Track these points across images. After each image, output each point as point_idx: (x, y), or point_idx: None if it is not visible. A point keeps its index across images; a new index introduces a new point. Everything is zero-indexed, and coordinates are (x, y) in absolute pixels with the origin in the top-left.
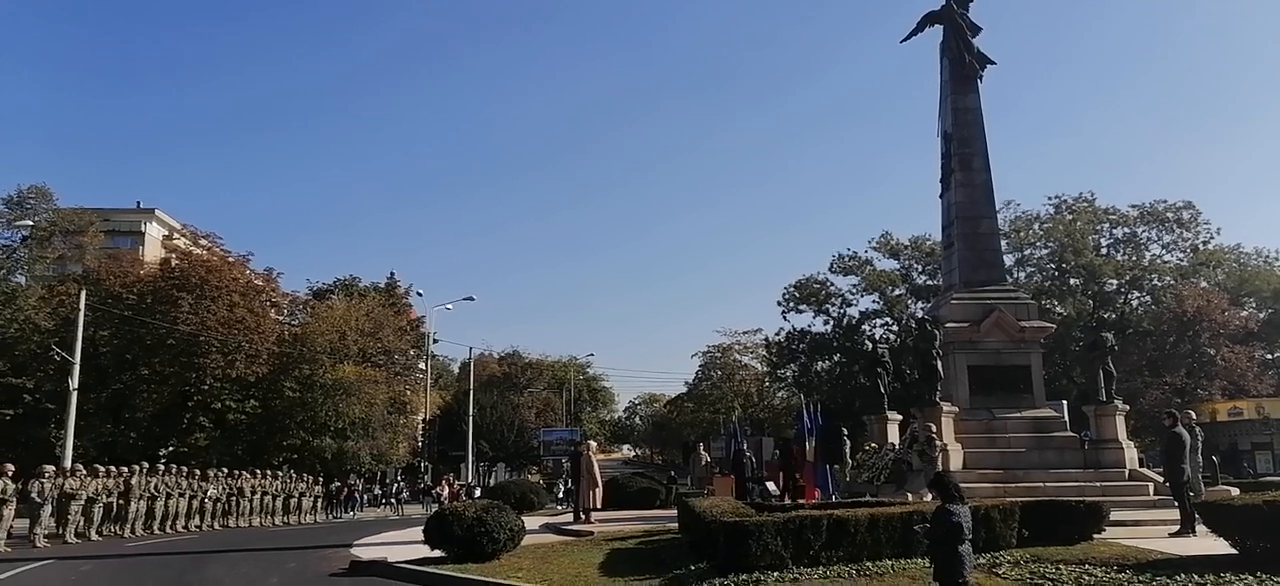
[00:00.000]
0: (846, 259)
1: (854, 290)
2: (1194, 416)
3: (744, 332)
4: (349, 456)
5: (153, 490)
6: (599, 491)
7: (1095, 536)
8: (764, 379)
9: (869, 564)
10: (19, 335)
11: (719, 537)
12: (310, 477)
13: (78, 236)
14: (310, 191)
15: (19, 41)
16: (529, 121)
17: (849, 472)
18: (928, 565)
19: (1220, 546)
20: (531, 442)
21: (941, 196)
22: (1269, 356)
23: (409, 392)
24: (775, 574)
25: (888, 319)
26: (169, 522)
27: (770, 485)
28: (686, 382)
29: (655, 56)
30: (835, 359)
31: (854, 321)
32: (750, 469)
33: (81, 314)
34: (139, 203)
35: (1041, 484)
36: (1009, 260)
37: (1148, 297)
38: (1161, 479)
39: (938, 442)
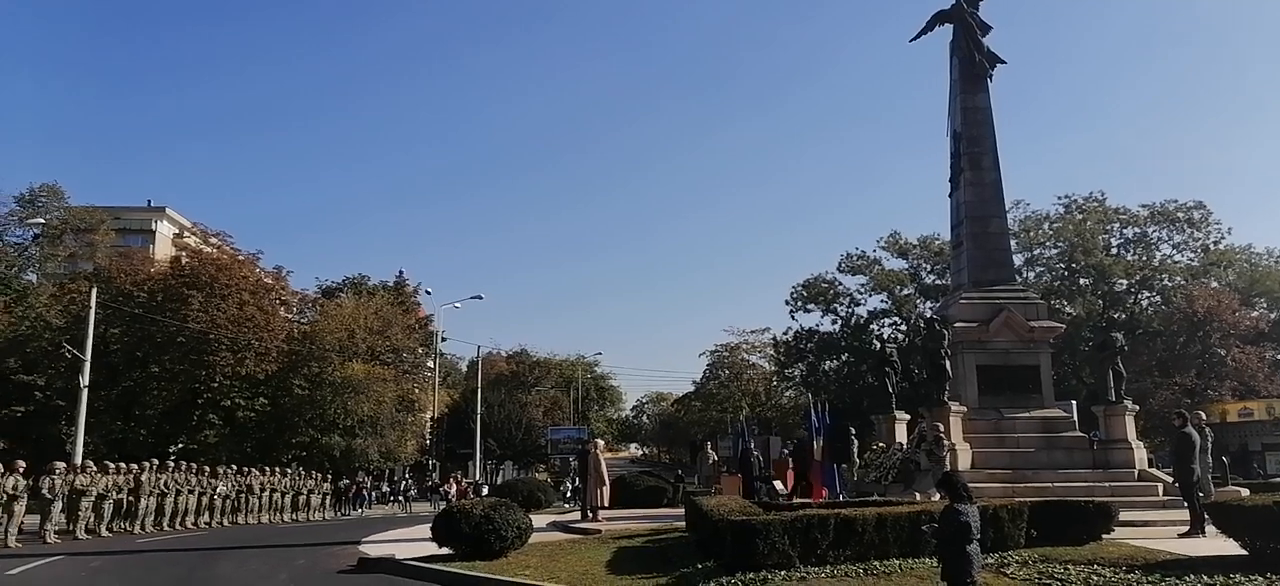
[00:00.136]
0: (855, 258)
1: (862, 289)
2: (1204, 417)
3: (752, 332)
4: (357, 454)
5: (163, 487)
6: (606, 490)
7: (1104, 537)
8: (772, 378)
9: (876, 563)
10: (30, 332)
11: (726, 536)
12: (319, 475)
13: (89, 234)
14: (315, 190)
15: (25, 40)
16: (531, 121)
17: (857, 472)
18: (935, 564)
19: (1230, 547)
20: (539, 441)
21: (950, 195)
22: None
23: (417, 391)
24: (782, 573)
25: (896, 318)
26: (179, 519)
27: (777, 484)
28: (694, 381)
29: (656, 56)
30: (843, 358)
31: (862, 321)
32: (757, 468)
33: (92, 311)
34: (150, 201)
35: (1050, 484)
36: (1018, 260)
37: (1158, 298)
38: (1171, 479)
39: (946, 442)
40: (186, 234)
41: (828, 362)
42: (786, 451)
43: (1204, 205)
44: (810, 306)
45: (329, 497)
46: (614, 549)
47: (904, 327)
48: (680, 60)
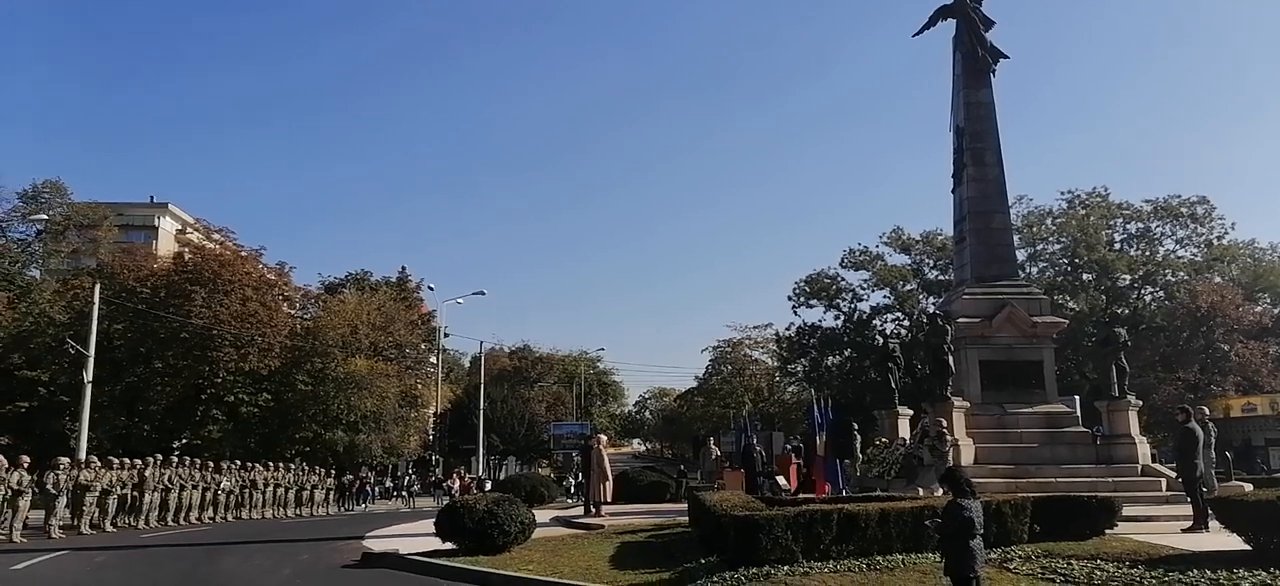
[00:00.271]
0: (857, 253)
1: (865, 285)
2: (1207, 412)
3: (754, 327)
4: (361, 449)
5: (166, 482)
6: (609, 485)
7: (1107, 532)
8: (774, 374)
9: (880, 558)
10: (34, 328)
11: (729, 531)
12: (322, 470)
13: (92, 230)
14: (317, 186)
15: (27, 36)
16: (533, 119)
17: (860, 467)
18: (939, 560)
19: (1233, 542)
20: (542, 436)
21: (953, 191)
22: None
23: (420, 386)
24: (785, 568)
25: (899, 314)
26: (182, 514)
27: (780, 479)
28: (697, 377)
29: (657, 55)
30: (846, 354)
31: (865, 316)
32: (760, 463)
33: (96, 307)
34: (152, 197)
35: (1053, 479)
36: (1021, 255)
37: (1161, 293)
38: (1174, 474)
39: (949, 437)
40: (189, 230)
41: (830, 358)
42: (790, 447)
43: (1207, 200)
44: (813, 302)
45: (332, 493)
46: (617, 544)
47: (907, 323)
48: (681, 59)
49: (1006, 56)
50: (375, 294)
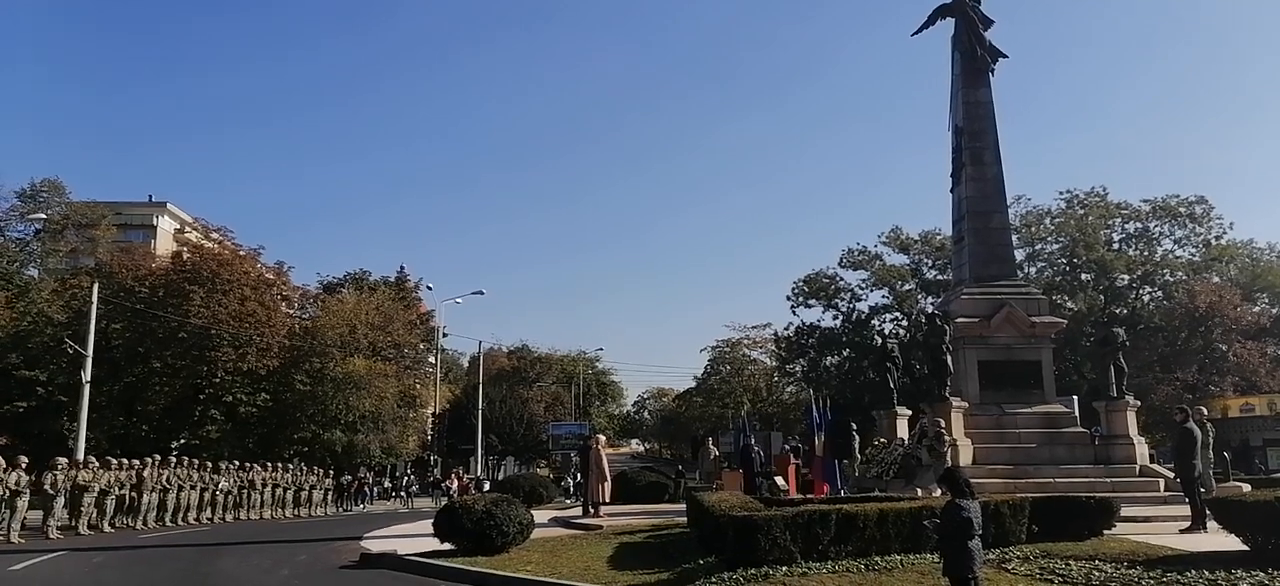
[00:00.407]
0: (856, 253)
1: (863, 285)
2: (1206, 412)
3: (753, 327)
4: (359, 450)
5: (165, 482)
6: (608, 485)
7: (1105, 532)
8: (773, 374)
9: (878, 558)
10: (32, 328)
11: (728, 532)
12: (320, 471)
13: (90, 230)
14: (316, 185)
15: (26, 35)
16: (532, 118)
17: (858, 467)
18: (937, 560)
19: (1231, 543)
20: (540, 436)
21: (952, 191)
22: None
23: (419, 386)
24: (784, 568)
25: (897, 314)
26: (181, 515)
27: (779, 479)
28: (695, 377)
29: (656, 54)
30: (844, 354)
31: (863, 316)
32: (758, 463)
33: (94, 307)
34: (150, 196)
35: (1051, 479)
36: (1020, 255)
37: (1159, 293)
38: (1172, 475)
39: (947, 438)
40: (188, 229)
41: (829, 358)
42: (788, 447)
43: (1206, 200)
44: (812, 302)
45: (331, 493)
46: (616, 544)
47: (905, 323)
48: (681, 58)
49: (1005, 56)
50: (374, 293)
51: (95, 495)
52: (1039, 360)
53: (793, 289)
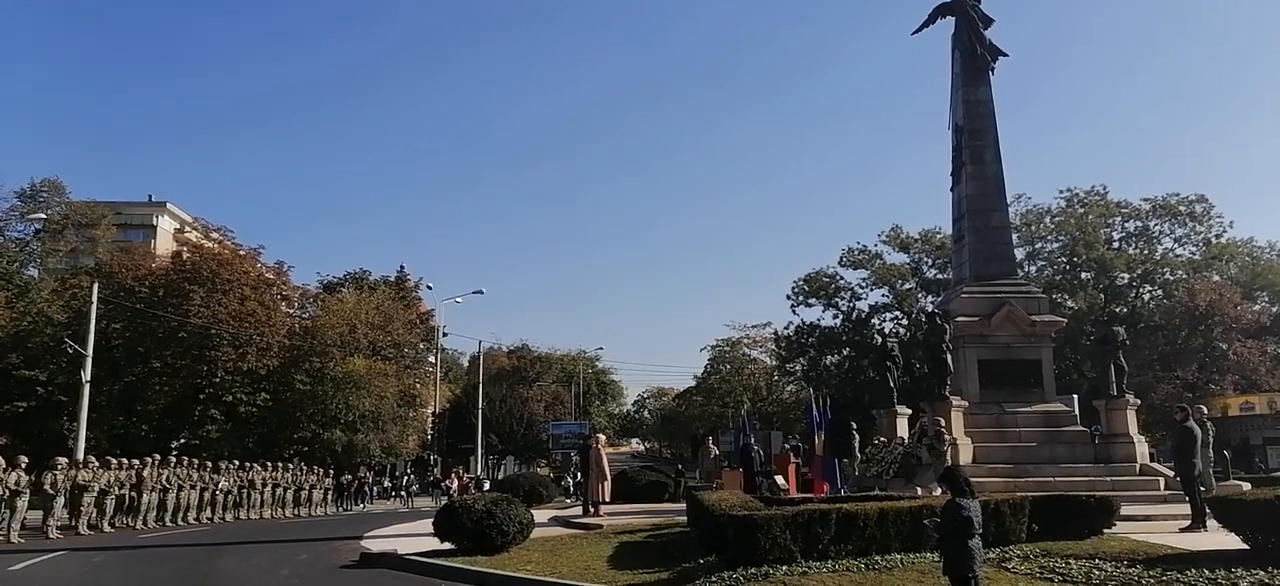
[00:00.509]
0: (856, 252)
1: (863, 284)
2: (1206, 411)
3: (753, 326)
4: (359, 449)
5: (165, 482)
6: (608, 485)
7: (1105, 531)
8: (773, 373)
9: (878, 558)
10: (32, 328)
11: (728, 531)
12: (320, 470)
13: (90, 229)
14: (315, 184)
15: (26, 34)
16: (532, 117)
17: (858, 467)
18: (937, 559)
19: (1231, 541)
20: (540, 436)
21: (952, 190)
22: None
23: (418, 386)
24: (784, 567)
25: (897, 313)
26: (181, 514)
27: (779, 479)
28: (695, 376)
29: (656, 54)
30: (844, 353)
31: (863, 315)
32: (759, 462)
33: (94, 307)
34: (150, 196)
35: (1052, 478)
36: (1020, 254)
37: (1159, 291)
38: (1172, 473)
39: (947, 437)
40: (187, 229)
41: (829, 357)
42: (789, 446)
43: (1206, 198)
44: (811, 301)
45: (331, 493)
46: (616, 544)
47: (905, 322)
48: (681, 58)
49: (1006, 54)
50: (374, 293)
51: (95, 495)
52: (1039, 359)
53: (793, 288)
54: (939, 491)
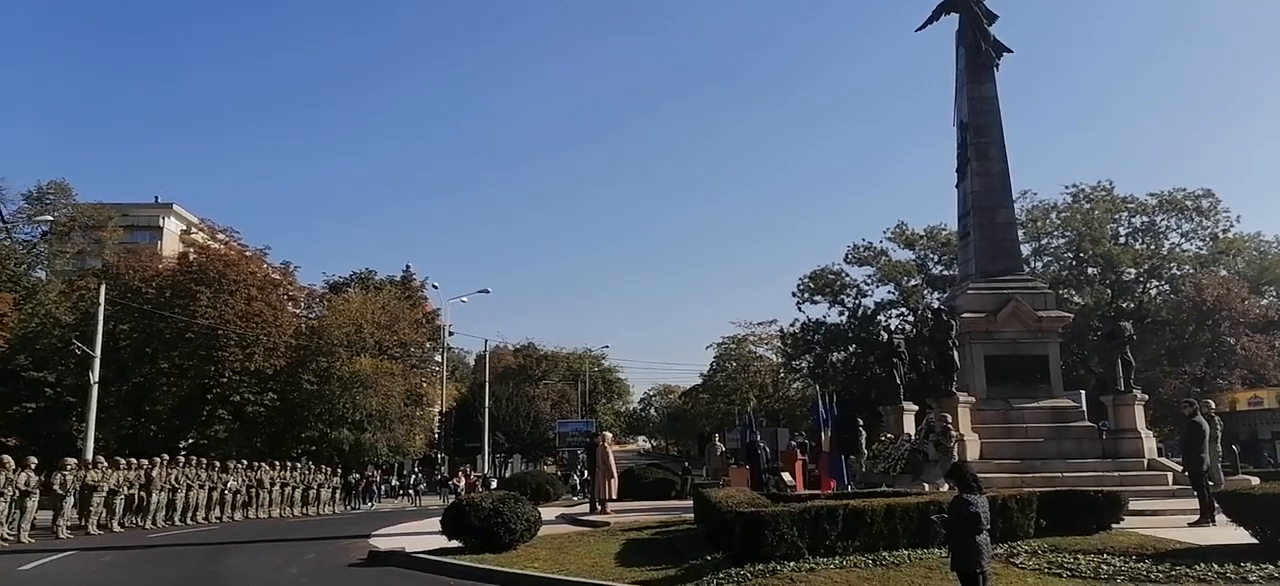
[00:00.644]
0: (861, 249)
1: (869, 281)
2: (1213, 405)
3: (759, 324)
4: (366, 448)
5: (173, 482)
6: (614, 482)
7: (1114, 526)
8: (779, 370)
9: (886, 554)
10: (40, 329)
11: (735, 528)
12: (328, 469)
13: (97, 231)
14: (320, 184)
15: (32, 34)
16: (535, 115)
17: (865, 463)
18: (945, 555)
19: (1240, 536)
20: (547, 434)
21: (958, 186)
22: None
23: (425, 385)
24: (791, 564)
25: (903, 309)
26: (189, 514)
27: (785, 476)
28: (701, 374)
29: (658, 53)
30: (851, 350)
31: (869, 312)
32: (765, 460)
33: (101, 308)
34: (157, 197)
35: (1059, 474)
36: (1026, 250)
37: (1166, 286)
38: (1180, 468)
39: (954, 433)
40: (194, 230)
41: (835, 354)
42: (795, 444)
43: (1212, 193)
44: (817, 298)
45: (338, 492)
46: (623, 541)
47: (911, 318)
48: (682, 57)
49: (1010, 51)
50: (380, 293)
51: (104, 495)
52: (1046, 354)
53: (798, 285)
54: (946, 487)
